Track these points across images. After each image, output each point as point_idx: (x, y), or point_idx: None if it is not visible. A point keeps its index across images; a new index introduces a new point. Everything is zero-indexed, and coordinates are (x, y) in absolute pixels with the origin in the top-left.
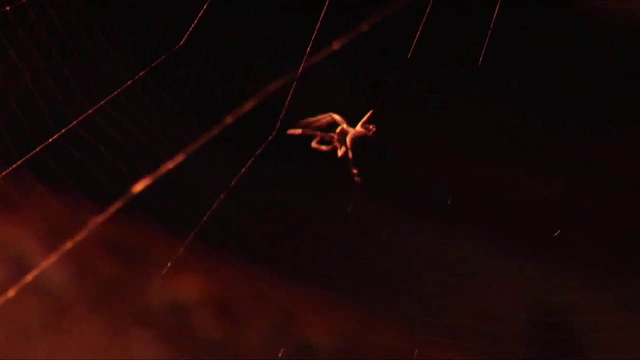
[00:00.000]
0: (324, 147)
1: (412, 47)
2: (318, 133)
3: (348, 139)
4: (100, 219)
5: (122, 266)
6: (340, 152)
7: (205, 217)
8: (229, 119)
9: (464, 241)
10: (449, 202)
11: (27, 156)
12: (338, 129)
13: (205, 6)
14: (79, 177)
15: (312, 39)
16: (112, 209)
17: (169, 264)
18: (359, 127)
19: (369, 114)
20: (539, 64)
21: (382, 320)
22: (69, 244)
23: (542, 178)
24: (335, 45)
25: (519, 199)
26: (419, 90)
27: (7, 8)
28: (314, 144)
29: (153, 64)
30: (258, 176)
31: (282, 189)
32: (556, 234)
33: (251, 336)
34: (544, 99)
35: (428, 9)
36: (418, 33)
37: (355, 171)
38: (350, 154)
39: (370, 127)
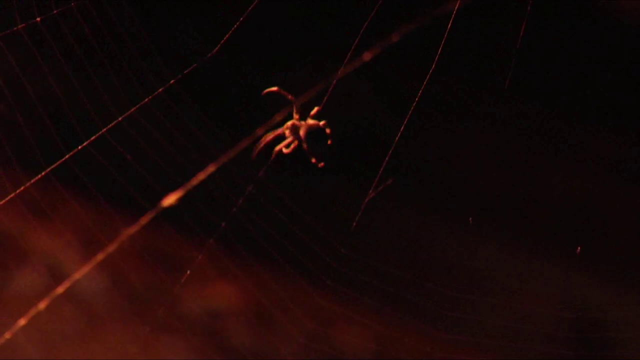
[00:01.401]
0: (286, 151)
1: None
2: (270, 135)
3: (302, 132)
4: (132, 230)
5: (153, 274)
6: (293, 146)
7: (225, 225)
8: (259, 131)
9: (483, 245)
10: (470, 221)
11: (56, 164)
12: (289, 123)
13: (242, 18)
14: (109, 187)
15: (344, 49)
16: (144, 220)
17: (188, 272)
18: (310, 120)
19: (315, 109)
20: (564, 67)
21: (413, 326)
22: (100, 255)
23: (566, 180)
24: (367, 57)
25: (543, 202)
26: (444, 97)
27: (38, 19)
28: (277, 149)
29: (185, 71)
30: (285, 182)
31: (310, 196)
32: (578, 249)
33: (282, 343)
34: (572, 102)
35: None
36: (443, 41)
37: (314, 160)
38: (305, 146)
39: (321, 123)
